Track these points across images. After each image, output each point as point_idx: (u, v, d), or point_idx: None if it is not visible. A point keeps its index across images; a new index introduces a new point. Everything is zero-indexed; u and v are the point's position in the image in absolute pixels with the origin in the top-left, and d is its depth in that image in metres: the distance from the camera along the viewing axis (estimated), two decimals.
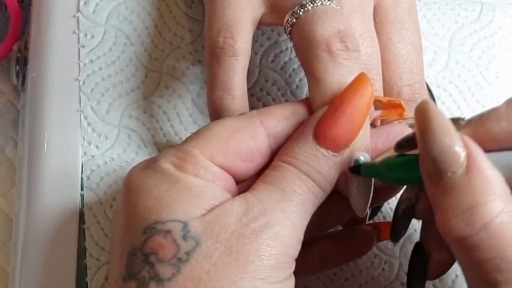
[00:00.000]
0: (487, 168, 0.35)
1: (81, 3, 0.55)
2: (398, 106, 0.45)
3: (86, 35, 0.55)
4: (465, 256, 0.35)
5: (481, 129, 0.37)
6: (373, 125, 0.45)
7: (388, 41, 0.47)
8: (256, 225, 0.37)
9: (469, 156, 0.35)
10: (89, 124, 0.52)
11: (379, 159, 0.41)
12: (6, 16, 0.57)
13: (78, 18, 0.55)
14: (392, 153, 0.41)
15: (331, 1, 0.44)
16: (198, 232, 0.37)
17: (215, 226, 0.37)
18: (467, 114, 0.55)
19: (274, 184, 0.39)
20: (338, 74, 0.42)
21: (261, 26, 0.49)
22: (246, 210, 0.38)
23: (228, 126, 0.41)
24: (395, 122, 0.45)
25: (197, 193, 0.38)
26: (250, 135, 0.41)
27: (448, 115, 0.55)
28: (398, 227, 0.43)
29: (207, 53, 0.47)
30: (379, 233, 0.48)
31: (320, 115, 0.40)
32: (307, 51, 0.43)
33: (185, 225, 0.37)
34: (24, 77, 0.56)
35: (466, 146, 0.35)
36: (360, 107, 0.40)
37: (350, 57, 0.42)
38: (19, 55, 0.56)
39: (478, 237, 0.34)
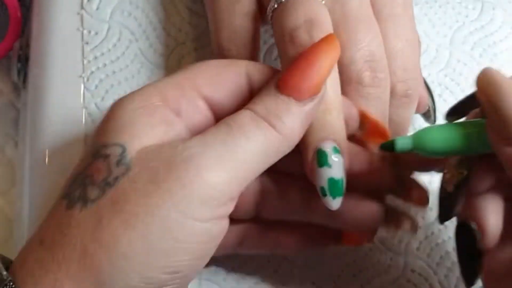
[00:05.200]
0: None
1: (85, 0, 0.57)
2: (382, 136, 0.46)
3: (90, 32, 0.57)
4: None
5: None
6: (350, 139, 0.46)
7: (382, 36, 0.48)
8: (188, 153, 0.38)
9: None
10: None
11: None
12: (6, 14, 0.58)
13: (82, 15, 0.57)
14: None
15: None
16: (132, 158, 0.38)
17: (149, 155, 0.38)
18: None
19: (223, 122, 0.40)
20: None
21: None
22: (186, 141, 0.39)
23: (218, 63, 0.44)
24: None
25: (153, 123, 0.40)
26: (234, 71, 0.43)
27: None
28: (449, 205, 0.42)
29: None
30: (341, 237, 0.49)
31: (284, 69, 0.42)
32: (278, 42, 0.45)
33: (123, 150, 0.39)
34: (25, 75, 0.57)
35: None
36: (324, 58, 0.41)
37: None
38: (20, 52, 0.57)
39: None
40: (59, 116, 0.54)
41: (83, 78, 0.55)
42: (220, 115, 0.42)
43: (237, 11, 0.49)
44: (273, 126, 0.40)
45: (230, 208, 0.40)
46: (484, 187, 0.42)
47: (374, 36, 0.47)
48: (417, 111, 0.52)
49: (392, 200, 0.48)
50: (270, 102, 0.41)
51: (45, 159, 0.53)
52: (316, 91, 0.41)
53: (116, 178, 0.38)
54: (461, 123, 0.41)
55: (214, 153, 0.38)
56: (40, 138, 0.54)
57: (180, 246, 0.37)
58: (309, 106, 0.41)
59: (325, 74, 0.41)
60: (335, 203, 0.43)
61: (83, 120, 0.54)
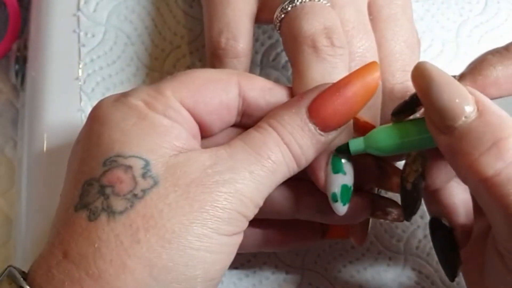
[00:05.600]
0: (497, 109, 0.38)
1: (81, 2, 0.57)
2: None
3: (86, 34, 0.57)
4: (494, 195, 0.37)
5: (480, 77, 0.41)
6: None
7: (381, 38, 0.49)
8: (220, 178, 0.39)
9: (477, 101, 0.38)
10: None
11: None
12: (5, 15, 0.59)
13: (78, 17, 0.57)
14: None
15: None
16: (158, 173, 0.39)
17: (177, 171, 0.39)
18: None
19: (252, 146, 0.41)
20: (321, 69, 0.44)
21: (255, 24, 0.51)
22: (214, 163, 0.40)
23: (205, 75, 0.44)
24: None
25: (162, 132, 0.41)
26: (223, 88, 0.43)
27: None
28: (410, 203, 0.44)
29: (209, 55, 0.49)
30: (327, 230, 0.50)
31: (320, 90, 0.42)
32: (293, 46, 0.46)
33: (147, 163, 0.39)
34: (23, 76, 0.58)
35: (471, 93, 0.38)
36: (361, 95, 0.42)
37: (335, 53, 0.45)
38: (18, 54, 0.58)
39: (510, 169, 0.36)
40: (57, 118, 0.54)
41: (80, 80, 0.56)
42: (203, 127, 0.44)
43: (231, 6, 0.49)
44: (295, 158, 0.42)
45: (246, 225, 0.42)
46: (442, 181, 0.44)
47: (369, 46, 0.48)
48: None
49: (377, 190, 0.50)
50: (297, 129, 0.42)
51: (43, 160, 0.54)
52: (343, 125, 0.42)
53: (144, 191, 0.39)
54: (407, 121, 0.43)
55: (242, 182, 0.40)
56: (37, 140, 0.54)
57: (215, 257, 0.39)
58: (331, 136, 0.43)
59: (358, 110, 0.43)
60: (344, 209, 0.44)
61: (80, 123, 0.53)
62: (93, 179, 0.40)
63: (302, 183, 0.46)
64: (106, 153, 0.40)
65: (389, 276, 0.54)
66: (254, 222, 0.44)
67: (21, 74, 0.58)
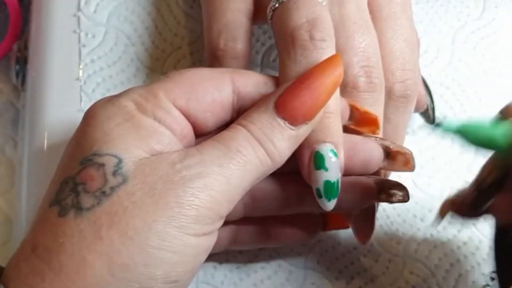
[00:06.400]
0: None
1: (82, 3, 0.57)
2: (373, 122, 0.46)
3: (87, 34, 0.57)
4: None
5: None
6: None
7: (381, 37, 0.49)
8: (187, 173, 0.39)
9: None
10: None
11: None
12: (6, 15, 0.59)
13: (79, 17, 0.57)
14: None
15: None
16: (129, 170, 0.39)
17: (146, 168, 0.39)
18: (470, 112, 0.58)
19: (221, 141, 0.41)
20: (298, 66, 0.44)
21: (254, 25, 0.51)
22: (183, 158, 0.39)
23: (198, 74, 0.44)
24: (371, 138, 0.46)
25: (144, 134, 0.40)
26: (216, 86, 0.43)
27: (451, 113, 0.58)
28: (482, 200, 0.43)
29: (208, 56, 0.50)
30: (326, 222, 0.51)
31: (285, 87, 0.42)
32: (278, 42, 0.46)
33: (120, 161, 0.39)
34: (24, 77, 0.58)
35: None
36: (325, 85, 0.42)
37: (315, 47, 0.44)
38: (19, 54, 0.58)
39: None
40: (57, 119, 0.54)
41: (80, 80, 0.56)
42: (198, 125, 0.43)
43: (230, 6, 0.50)
44: (267, 152, 0.41)
45: (219, 224, 0.41)
46: None
47: (371, 41, 0.47)
48: (415, 110, 0.53)
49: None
50: (267, 125, 0.42)
51: (43, 160, 0.54)
52: (312, 117, 0.42)
53: (112, 188, 0.39)
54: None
55: (211, 177, 0.39)
56: (38, 140, 0.54)
57: (177, 258, 0.39)
58: (302, 130, 0.42)
59: (325, 101, 0.42)
60: (330, 205, 0.44)
61: None
62: (69, 177, 0.40)
63: (301, 177, 0.45)
64: (85, 152, 0.40)
65: (387, 279, 0.54)
66: (255, 218, 0.44)
67: (22, 74, 0.58)
